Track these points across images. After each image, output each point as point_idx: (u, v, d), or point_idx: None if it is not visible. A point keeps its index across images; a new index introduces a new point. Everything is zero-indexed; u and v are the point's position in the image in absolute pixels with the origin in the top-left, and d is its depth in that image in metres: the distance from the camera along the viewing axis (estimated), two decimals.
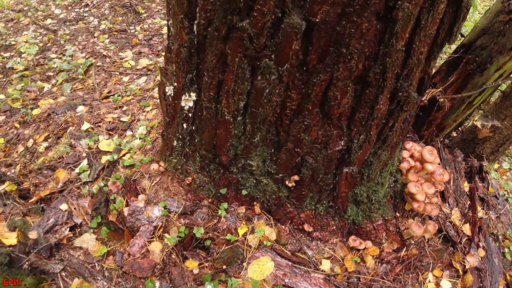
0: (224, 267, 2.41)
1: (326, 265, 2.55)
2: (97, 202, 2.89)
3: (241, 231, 2.50)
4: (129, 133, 3.38)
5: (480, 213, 3.27)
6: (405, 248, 2.82)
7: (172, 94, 2.47)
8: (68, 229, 2.85)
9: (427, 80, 2.30)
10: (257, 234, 2.45)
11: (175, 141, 2.64)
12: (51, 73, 4.46)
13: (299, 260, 2.50)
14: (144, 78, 4.10)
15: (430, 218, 3.06)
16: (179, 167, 2.71)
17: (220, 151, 2.39)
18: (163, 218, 2.65)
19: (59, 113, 3.85)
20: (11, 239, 2.75)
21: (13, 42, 4.85)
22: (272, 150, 2.30)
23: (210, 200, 2.67)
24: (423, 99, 3.51)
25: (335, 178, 2.43)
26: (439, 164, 2.77)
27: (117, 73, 4.23)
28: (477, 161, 3.46)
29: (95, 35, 4.91)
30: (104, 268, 2.67)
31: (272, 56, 1.88)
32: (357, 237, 2.70)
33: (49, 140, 3.58)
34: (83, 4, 5.22)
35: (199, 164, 2.58)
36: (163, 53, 4.53)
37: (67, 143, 3.40)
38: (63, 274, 2.64)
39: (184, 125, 2.50)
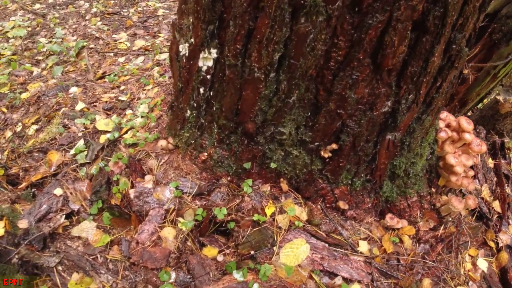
0: (252, 252, 1.92)
1: (364, 246, 2.09)
2: (97, 184, 2.35)
3: (268, 211, 2.01)
4: (129, 111, 2.85)
5: (507, 190, 2.88)
6: (442, 226, 2.39)
7: (187, 54, 1.96)
8: (64, 216, 2.30)
9: (473, 37, 1.88)
10: (288, 213, 1.97)
11: (188, 111, 2.13)
12: (40, 57, 3.88)
13: (336, 241, 2.03)
14: (141, 58, 3.57)
15: (463, 193, 2.64)
16: (192, 141, 2.20)
17: (245, 118, 1.90)
18: (176, 200, 2.14)
19: (50, 95, 3.28)
20: None
21: (0, 28, 4.24)
22: (309, 114, 1.82)
23: (229, 179, 2.17)
24: None
25: (376, 147, 1.97)
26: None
27: (112, 54, 3.68)
28: (498, 137, 3.07)
29: (87, 18, 4.34)
30: (108, 260, 2.15)
31: None
32: (394, 216, 2.25)
33: (40, 123, 3.01)
34: None
35: (216, 137, 2.08)
36: (160, 34, 3.99)
37: (60, 124, 2.84)
38: (60, 268, 2.10)
39: (201, 90, 1.99)
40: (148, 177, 2.27)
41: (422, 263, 2.19)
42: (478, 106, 3.38)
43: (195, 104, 2.06)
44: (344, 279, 1.91)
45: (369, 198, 2.18)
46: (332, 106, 1.73)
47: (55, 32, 4.04)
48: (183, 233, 2.07)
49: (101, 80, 3.35)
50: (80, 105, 3.00)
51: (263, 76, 1.71)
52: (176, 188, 2.16)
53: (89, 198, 2.37)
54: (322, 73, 1.67)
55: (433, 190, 2.44)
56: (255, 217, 1.93)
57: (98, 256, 2.18)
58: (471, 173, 2.41)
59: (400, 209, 2.33)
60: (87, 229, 2.28)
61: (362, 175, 2.06)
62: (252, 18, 1.62)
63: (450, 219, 2.45)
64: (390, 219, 2.21)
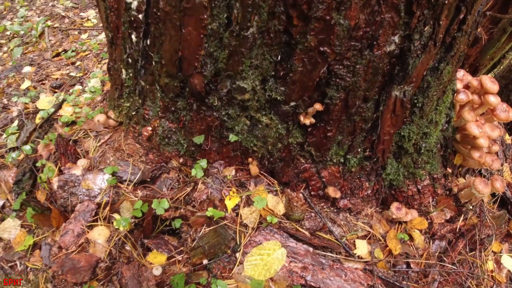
0: (205, 261, 1.22)
1: (362, 248, 1.39)
2: (20, 173, 1.66)
3: (230, 203, 1.31)
4: (78, 87, 2.16)
5: None
6: (462, 216, 1.68)
7: None
8: None
9: None
10: (257, 204, 1.26)
11: (123, 71, 1.43)
12: (3, 41, 3.19)
13: (324, 243, 1.33)
14: None
15: (483, 174, 1.93)
16: (134, 113, 1.51)
17: (189, 69, 1.19)
18: (111, 190, 1.44)
19: (2, 76, 2.59)
20: None
21: None
22: (279, 57, 1.11)
23: (181, 160, 1.47)
24: None
25: (378, 109, 1.26)
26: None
27: (76, 32, 3.01)
28: None
29: None
30: (28, 269, 1.48)
31: None
32: (402, 205, 1.54)
33: None
34: None
35: (161, 104, 1.38)
36: None
37: None
38: None
39: (133, 37, 1.29)
40: (81, 162, 1.58)
41: (439, 267, 1.49)
42: (490, 74, 2.67)
43: (129, 60, 1.37)
44: None
45: (368, 182, 1.48)
46: (312, 41, 1.03)
47: (19, 13, 3.36)
48: (119, 234, 1.38)
49: (57, 57, 2.67)
50: (26, 84, 2.31)
51: (206, 0, 1.01)
52: (113, 174, 1.47)
53: (13, 189, 1.68)
54: None
55: (449, 170, 1.73)
56: (209, 211, 1.23)
57: (18, 263, 1.53)
58: (496, 147, 1.70)
59: (407, 196, 1.63)
60: (9, 228, 1.62)
61: (359, 150, 1.36)
62: None
63: (471, 207, 1.74)
64: (397, 210, 1.51)
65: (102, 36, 2.87)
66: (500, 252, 1.83)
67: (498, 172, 2.00)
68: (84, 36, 2.93)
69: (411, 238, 1.56)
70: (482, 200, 1.81)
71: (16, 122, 1.97)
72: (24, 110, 2.08)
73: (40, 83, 2.33)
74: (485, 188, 1.57)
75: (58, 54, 2.68)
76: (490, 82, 1.57)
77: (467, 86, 1.66)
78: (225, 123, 1.30)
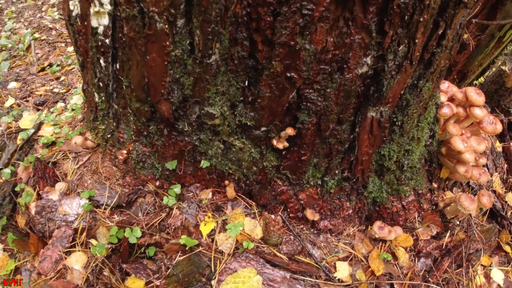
0: None
1: (343, 270, 1.36)
2: (0, 197, 1.64)
3: (205, 229, 1.29)
4: (60, 105, 2.14)
5: None
6: (448, 232, 1.65)
7: (79, 12, 1.23)
8: None
9: None
10: (231, 231, 1.24)
11: (95, 95, 1.41)
12: None
13: (302, 268, 1.30)
14: None
15: (471, 187, 1.90)
16: (109, 135, 1.49)
17: (156, 95, 1.17)
18: (88, 215, 1.42)
19: None
20: None
21: None
22: (246, 83, 1.09)
23: (157, 183, 1.45)
24: None
25: (354, 131, 1.23)
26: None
27: (63, 44, 2.98)
28: (504, 116, 2.32)
29: (43, 9, 3.63)
30: None
31: None
32: (384, 224, 1.51)
33: None
34: None
35: (134, 127, 1.36)
36: None
37: None
38: None
39: (102, 62, 1.27)
40: (58, 185, 1.56)
41: (424, 287, 1.46)
42: (479, 80, 2.62)
43: (100, 84, 1.35)
44: None
45: (349, 202, 1.45)
46: (277, 66, 1.01)
47: (6, 25, 3.35)
48: (96, 260, 1.36)
49: (42, 72, 2.65)
50: (9, 101, 2.30)
51: (166, 26, 0.99)
52: (90, 199, 1.45)
53: None
54: (256, 13, 0.94)
55: (435, 185, 1.69)
56: (182, 239, 1.21)
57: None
58: (483, 160, 1.67)
59: (392, 212, 1.60)
60: None
61: (337, 171, 1.33)
62: None
63: (458, 222, 1.71)
64: (379, 229, 1.48)
65: None
66: (490, 266, 1.79)
67: (487, 183, 1.97)
68: (70, 49, 2.91)
69: (395, 256, 1.53)
70: (470, 215, 1.78)
71: None
72: (7, 129, 2.06)
73: (24, 100, 2.31)
74: (471, 204, 1.54)
75: (43, 69, 2.66)
76: (475, 94, 1.53)
77: (451, 99, 1.62)
78: (197, 148, 1.28)
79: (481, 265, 1.77)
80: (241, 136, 1.22)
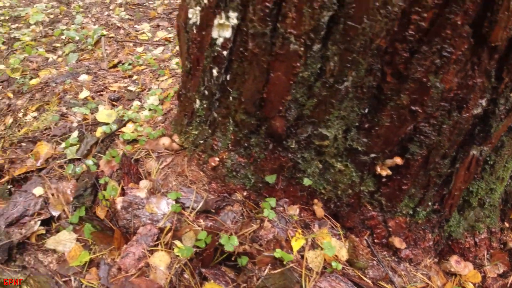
0: None
1: None
2: (82, 187, 1.71)
3: (296, 245, 1.31)
4: (136, 103, 2.21)
5: None
6: None
7: (198, 21, 1.29)
8: (40, 222, 1.68)
9: None
10: (327, 251, 1.26)
11: (197, 101, 1.46)
12: (58, 44, 3.32)
13: None
14: (160, 48, 2.95)
15: None
16: (201, 141, 1.53)
17: (272, 112, 1.21)
18: (174, 216, 1.47)
19: (58, 82, 2.69)
20: None
21: (22, 14, 3.72)
22: (366, 110, 1.11)
23: (245, 194, 1.48)
24: None
25: (453, 166, 1.24)
26: None
27: (131, 44, 3.09)
28: None
29: (111, 8, 3.77)
30: (83, 286, 1.50)
31: None
32: (461, 258, 1.51)
33: (40, 110, 2.41)
34: None
35: (232, 137, 1.40)
36: None
37: (58, 112, 2.22)
38: None
39: (215, 72, 1.32)
40: (143, 183, 1.61)
41: None
42: None
43: (206, 92, 1.39)
44: None
45: (431, 234, 1.45)
46: (404, 99, 1.03)
47: (75, 19, 3.49)
48: (179, 262, 1.39)
49: (114, 69, 2.74)
50: (84, 93, 2.39)
51: (302, 48, 1.03)
52: (176, 200, 1.49)
53: (72, 202, 1.72)
54: (393, 47, 0.97)
55: (506, 224, 1.68)
56: (277, 253, 1.24)
57: (72, 278, 1.54)
58: None
59: (464, 248, 1.59)
60: (65, 241, 1.64)
61: (429, 203, 1.33)
62: None
63: None
64: (456, 263, 1.48)
65: (158, 51, 2.94)
66: None
67: None
68: (139, 49, 3.01)
69: None
70: None
71: (76, 133, 2.04)
72: (83, 121, 2.14)
73: (98, 93, 2.40)
74: None
75: (114, 66, 2.76)
76: None
77: None
78: (298, 165, 1.31)
79: None
80: (345, 159, 1.24)
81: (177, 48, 2.89)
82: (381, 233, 1.40)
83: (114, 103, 2.30)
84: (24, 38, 3.39)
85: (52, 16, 3.67)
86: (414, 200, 1.32)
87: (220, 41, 1.25)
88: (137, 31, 3.32)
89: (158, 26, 3.38)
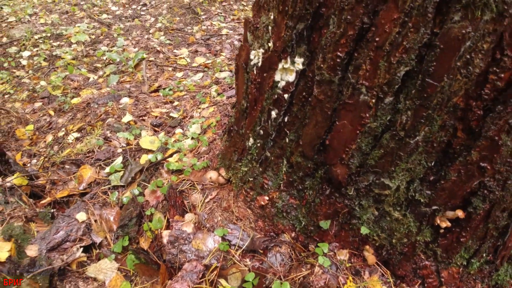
0: None
1: None
2: (126, 216, 1.74)
3: None
4: (179, 130, 2.26)
5: None
6: None
7: (259, 63, 1.33)
8: (82, 249, 1.71)
9: None
10: None
11: (251, 139, 1.49)
12: (99, 65, 3.45)
13: None
14: (200, 75, 3.03)
15: None
16: (251, 179, 1.55)
17: (334, 159, 1.22)
18: (220, 254, 1.48)
19: (100, 103, 2.79)
20: (1, 252, 1.64)
21: (64, 32, 3.89)
22: (432, 163, 1.11)
23: (293, 235, 1.48)
24: None
25: (510, 218, 1.22)
26: None
27: (170, 68, 3.18)
28: None
29: (150, 31, 3.91)
30: None
31: None
32: None
33: (82, 131, 2.49)
34: (141, 3, 4.28)
35: (284, 178, 1.42)
36: (221, 53, 3.45)
37: (101, 135, 2.30)
38: None
39: (273, 114, 1.35)
40: (188, 217, 1.63)
41: None
42: None
43: (261, 131, 1.42)
44: None
45: (481, 283, 1.41)
46: (474, 156, 1.03)
47: (117, 41, 3.63)
48: None
49: (155, 93, 2.83)
50: (127, 117, 2.46)
51: (374, 100, 1.05)
52: (223, 238, 1.50)
53: (115, 231, 1.76)
54: (465, 104, 0.97)
55: None
56: None
57: None
58: None
59: None
60: (106, 270, 1.67)
61: (484, 254, 1.30)
62: (370, 11, 0.97)
63: None
64: None
65: (197, 77, 3.02)
66: None
67: None
68: (179, 74, 3.10)
69: None
70: None
71: (120, 159, 2.09)
72: (127, 146, 2.21)
73: (140, 118, 2.48)
74: None
75: (155, 90, 2.85)
76: None
77: None
78: (354, 212, 1.31)
79: None
80: (405, 209, 1.23)
81: (216, 75, 2.96)
82: (433, 283, 1.37)
83: (156, 129, 2.36)
84: (65, 57, 3.54)
85: (93, 37, 3.83)
86: (469, 252, 1.29)
87: (282, 84, 1.29)
88: (176, 55, 3.43)
89: (197, 51, 3.48)
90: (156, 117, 2.47)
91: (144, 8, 4.33)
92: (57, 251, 1.74)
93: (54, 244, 1.73)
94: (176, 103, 2.62)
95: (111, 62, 3.43)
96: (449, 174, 1.09)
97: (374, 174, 1.18)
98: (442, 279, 1.38)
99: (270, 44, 1.26)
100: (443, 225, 1.21)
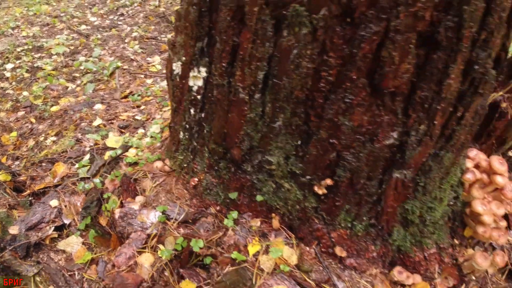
0: None
1: None
2: (89, 200, 2.24)
3: (252, 250, 1.76)
4: (141, 131, 2.76)
5: None
6: (463, 285, 1.99)
7: (180, 72, 1.82)
8: (54, 228, 2.22)
9: (503, 59, 1.57)
10: (272, 254, 1.70)
11: (181, 133, 1.97)
12: (77, 74, 3.98)
13: None
14: None
15: (494, 247, 2.22)
16: (185, 165, 2.03)
17: (231, 143, 1.70)
18: (160, 225, 1.96)
19: (76, 110, 3.30)
20: None
21: (45, 44, 4.43)
22: (299, 142, 1.58)
23: (218, 208, 1.96)
24: None
25: (381, 187, 1.67)
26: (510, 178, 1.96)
27: (142, 76, 3.68)
28: None
29: (126, 41, 4.43)
30: (84, 279, 2.00)
31: None
32: (404, 269, 1.89)
33: (59, 135, 3.01)
34: (119, 13, 4.81)
35: (207, 162, 1.89)
36: None
37: (73, 137, 2.80)
38: (38, 279, 2.02)
39: (192, 111, 1.83)
40: (138, 198, 2.12)
41: None
42: None
43: (187, 126, 1.91)
44: None
45: (374, 246, 1.86)
46: (323, 134, 1.49)
47: (94, 51, 4.15)
48: (161, 261, 1.87)
49: (125, 99, 3.33)
50: (97, 121, 2.97)
51: (247, 97, 1.53)
52: (163, 212, 1.98)
53: (81, 213, 2.25)
54: (312, 96, 1.45)
55: (456, 241, 2.05)
56: (234, 254, 1.69)
57: (76, 273, 2.05)
58: (503, 223, 2.00)
59: (415, 261, 1.97)
60: (73, 244, 2.17)
61: (365, 218, 1.76)
62: (237, 33, 1.45)
63: (474, 277, 2.04)
64: (398, 273, 1.86)
65: (164, 83, 3.52)
66: None
67: (510, 245, 2.25)
68: (149, 81, 3.61)
69: None
70: (487, 272, 2.08)
71: (88, 156, 2.59)
72: (95, 145, 2.71)
73: (109, 121, 2.98)
74: (484, 262, 1.87)
75: (126, 96, 3.36)
76: (498, 163, 1.90)
77: (477, 166, 2.00)
78: (255, 185, 1.78)
79: None
80: (290, 180, 1.70)
81: None
82: (327, 243, 1.82)
83: (123, 130, 2.86)
84: (46, 68, 4.07)
85: (72, 48, 4.37)
86: (350, 215, 1.74)
87: (195, 88, 1.77)
88: (148, 63, 3.93)
89: None
90: (124, 120, 2.97)
91: (122, 18, 4.86)
92: (34, 230, 2.24)
93: (31, 224, 2.23)
94: (143, 107, 3.12)
95: (88, 71, 3.95)
96: (311, 149, 1.56)
97: (261, 153, 1.65)
98: (333, 239, 1.83)
99: (184, 58, 1.75)
100: (320, 192, 1.67)
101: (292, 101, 1.45)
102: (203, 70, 1.68)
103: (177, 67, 1.83)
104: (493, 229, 2.00)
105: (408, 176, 1.65)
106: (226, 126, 1.68)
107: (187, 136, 1.95)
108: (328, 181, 1.63)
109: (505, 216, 2.43)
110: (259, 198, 1.76)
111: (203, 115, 1.81)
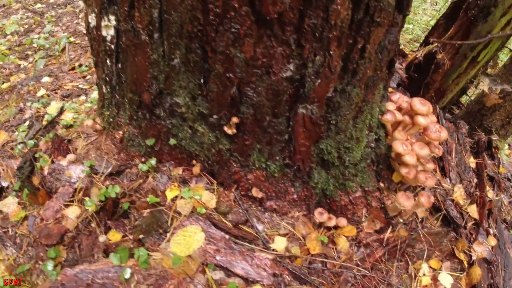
0: (141, 236, 1.76)
1: (280, 243, 1.86)
2: (23, 161, 2.31)
3: (170, 194, 1.85)
4: (82, 98, 2.83)
5: (490, 194, 2.50)
6: (390, 228, 2.09)
7: (95, 24, 1.88)
8: None
9: None
10: (185, 194, 1.79)
11: (103, 87, 2.05)
12: (30, 52, 4.02)
13: (242, 234, 1.82)
14: None
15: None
16: (111, 119, 2.11)
17: (141, 88, 1.78)
18: (87, 179, 2.04)
19: (24, 84, 3.36)
20: None
21: (0, 25, 4.48)
22: (202, 81, 1.66)
23: (143, 159, 2.04)
24: (418, 55, 2.81)
25: (289, 124, 1.74)
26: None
27: None
28: (485, 135, 2.69)
29: (80, 16, 4.48)
30: (17, 234, 2.09)
31: None
32: (325, 211, 1.99)
33: (6, 108, 3.07)
34: None
35: (128, 113, 1.97)
36: None
37: (17, 107, 2.87)
38: None
39: (108, 62, 1.90)
40: (69, 156, 2.20)
41: (355, 270, 1.90)
42: (463, 100, 3.01)
43: (107, 78, 1.98)
44: (242, 278, 1.69)
45: (293, 188, 1.95)
46: (219, 69, 1.57)
47: (45, 28, 4.21)
48: (87, 213, 1.95)
49: (72, 71, 3.40)
50: (41, 92, 3.04)
51: (147, 37, 1.60)
52: (90, 167, 2.06)
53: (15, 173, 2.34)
54: (205, 30, 1.51)
55: (382, 185, 2.14)
56: (150, 198, 1.78)
57: (10, 229, 2.14)
58: (430, 165, 2.10)
59: (341, 205, 2.07)
60: (9, 204, 2.25)
61: (278, 158, 1.84)
62: None
63: (401, 220, 2.14)
64: (319, 214, 1.96)
65: None
66: (440, 269, 2.18)
67: (444, 191, 2.35)
68: None
69: (335, 243, 1.99)
70: (417, 216, 2.18)
71: (27, 123, 2.67)
72: (36, 113, 2.78)
73: (53, 91, 3.04)
74: (406, 201, 1.97)
75: (73, 68, 3.42)
76: (419, 104, 1.98)
77: (399, 108, 2.08)
78: (171, 130, 1.86)
79: (431, 267, 2.16)
80: (201, 123, 1.78)
81: None
82: (245, 186, 1.91)
83: (65, 98, 2.93)
84: (0, 48, 4.12)
85: (26, 26, 4.41)
86: (263, 155, 1.83)
87: (108, 37, 1.84)
88: None
89: None
90: (68, 89, 3.04)
91: None
92: None
93: None
94: (88, 76, 3.18)
95: (41, 48, 3.99)
96: (211, 87, 1.64)
97: (169, 96, 1.73)
98: (250, 182, 1.92)
99: (96, 9, 1.81)
100: (230, 132, 1.75)
101: (185, 36, 1.52)
102: (112, 18, 1.75)
103: (92, 19, 1.89)
104: (420, 172, 2.08)
105: (314, 111, 1.71)
106: (135, 71, 1.76)
107: (109, 90, 2.02)
108: (234, 119, 1.71)
109: (442, 167, 2.53)
110: (172, 141, 1.84)
111: (120, 65, 1.88)
